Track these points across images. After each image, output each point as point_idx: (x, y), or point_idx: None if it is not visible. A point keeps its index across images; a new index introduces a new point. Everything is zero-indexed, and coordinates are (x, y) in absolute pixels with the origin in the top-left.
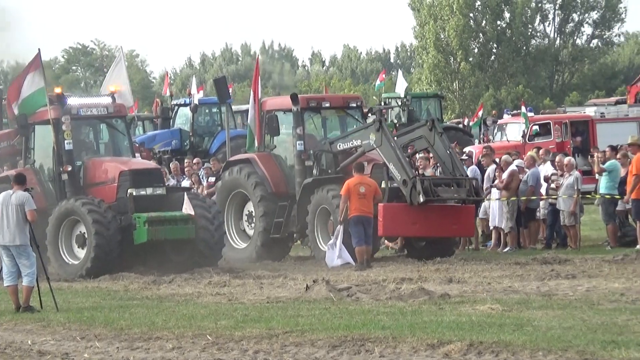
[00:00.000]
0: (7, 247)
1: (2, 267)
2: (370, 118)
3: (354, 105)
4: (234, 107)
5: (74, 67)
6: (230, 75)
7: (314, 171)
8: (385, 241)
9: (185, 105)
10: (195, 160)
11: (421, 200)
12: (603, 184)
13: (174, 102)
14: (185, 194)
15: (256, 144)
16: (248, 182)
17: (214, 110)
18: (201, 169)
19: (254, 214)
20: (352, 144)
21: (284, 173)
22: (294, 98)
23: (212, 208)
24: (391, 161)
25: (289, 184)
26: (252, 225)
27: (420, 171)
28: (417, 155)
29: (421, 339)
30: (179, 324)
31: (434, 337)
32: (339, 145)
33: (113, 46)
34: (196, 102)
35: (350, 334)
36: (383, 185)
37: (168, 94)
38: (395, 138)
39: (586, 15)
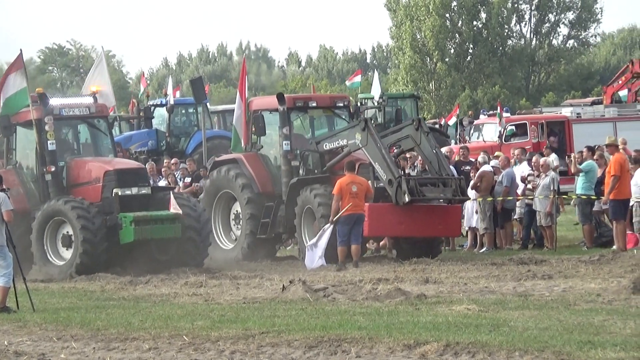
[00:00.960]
0: None
1: None
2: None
3: (341, 104)
4: (211, 108)
5: (50, 68)
6: (207, 75)
7: (301, 171)
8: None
9: (161, 105)
10: (172, 161)
11: (407, 200)
12: (579, 185)
13: (151, 102)
14: (171, 193)
15: (242, 144)
16: (235, 182)
17: (190, 110)
18: (177, 170)
19: (241, 214)
20: (338, 143)
21: (271, 173)
22: (281, 98)
23: (196, 207)
24: (377, 161)
25: (275, 184)
26: (239, 225)
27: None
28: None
29: (397, 340)
30: (155, 324)
31: (410, 337)
32: (325, 145)
33: (89, 46)
34: (173, 102)
35: (326, 335)
36: None
37: (144, 92)
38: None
39: (562, 15)
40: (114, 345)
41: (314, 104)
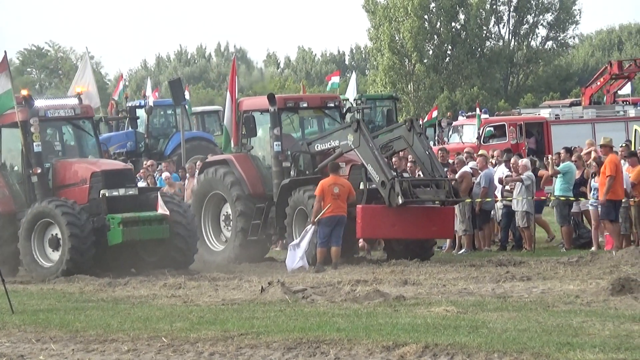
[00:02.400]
0: None
1: None
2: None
3: (332, 105)
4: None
5: (28, 69)
6: (186, 77)
7: (292, 172)
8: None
9: (140, 107)
10: (149, 162)
11: (400, 201)
12: (557, 186)
13: (129, 104)
14: (158, 193)
15: (232, 145)
16: (224, 183)
17: (169, 112)
18: (156, 171)
19: (231, 215)
20: (330, 144)
21: (262, 174)
22: (271, 98)
23: (181, 203)
24: (369, 162)
25: (266, 185)
26: (230, 227)
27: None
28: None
29: (376, 341)
30: (134, 326)
31: (389, 339)
32: (317, 146)
33: (68, 48)
34: (151, 104)
35: (305, 336)
36: (361, 186)
37: (122, 95)
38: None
39: (541, 17)
40: (93, 347)
41: (305, 105)
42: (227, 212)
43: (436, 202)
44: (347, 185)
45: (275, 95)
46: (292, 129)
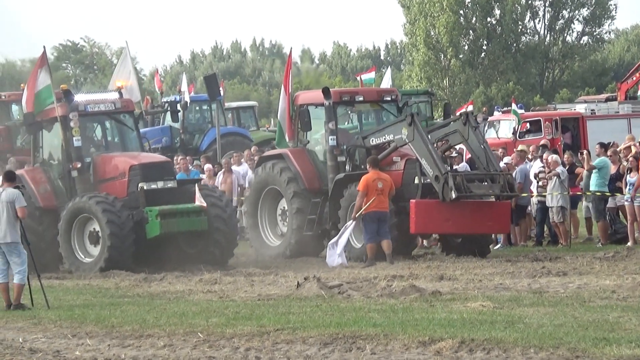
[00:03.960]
0: None
1: None
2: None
3: (389, 99)
4: (225, 105)
5: (64, 65)
6: (221, 72)
7: (347, 167)
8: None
9: (175, 102)
10: (180, 158)
11: (453, 196)
12: (593, 181)
13: (164, 99)
14: (196, 185)
15: (287, 139)
16: (281, 178)
17: (205, 107)
18: (191, 165)
19: (287, 210)
20: (384, 138)
21: (318, 169)
22: (326, 92)
23: (222, 197)
24: (423, 156)
25: (322, 179)
26: (286, 222)
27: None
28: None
29: (412, 336)
30: (170, 321)
31: (425, 334)
32: (372, 140)
33: (103, 43)
34: (187, 99)
35: (341, 332)
36: (416, 181)
37: (158, 90)
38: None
39: (576, 12)
40: (129, 342)
41: (361, 98)
42: (283, 207)
43: (491, 196)
44: (389, 180)
45: (331, 89)
46: (349, 123)
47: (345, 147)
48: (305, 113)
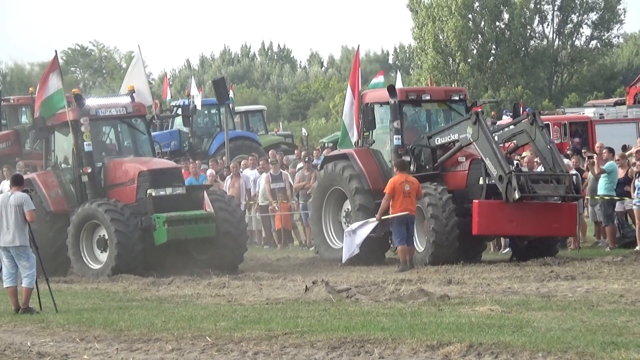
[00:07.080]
0: (7, 248)
1: (1, 269)
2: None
3: (457, 98)
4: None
5: (72, 69)
6: (229, 76)
7: (412, 167)
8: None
9: (186, 106)
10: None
11: (516, 196)
12: (601, 185)
13: (173, 103)
14: (204, 192)
15: (354, 139)
16: (343, 177)
17: (213, 111)
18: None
19: (350, 211)
20: (449, 138)
21: (382, 169)
22: (392, 90)
23: (231, 201)
24: (487, 156)
25: (386, 180)
26: (350, 223)
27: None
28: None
29: (421, 340)
30: (178, 325)
31: (433, 338)
32: (437, 139)
33: (112, 47)
34: (196, 103)
35: (349, 335)
36: (481, 181)
37: (169, 97)
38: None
39: (585, 16)
40: (137, 346)
41: (428, 97)
42: (347, 209)
43: (556, 197)
44: (416, 183)
45: (397, 88)
46: (416, 122)
47: (410, 146)
48: (369, 111)
